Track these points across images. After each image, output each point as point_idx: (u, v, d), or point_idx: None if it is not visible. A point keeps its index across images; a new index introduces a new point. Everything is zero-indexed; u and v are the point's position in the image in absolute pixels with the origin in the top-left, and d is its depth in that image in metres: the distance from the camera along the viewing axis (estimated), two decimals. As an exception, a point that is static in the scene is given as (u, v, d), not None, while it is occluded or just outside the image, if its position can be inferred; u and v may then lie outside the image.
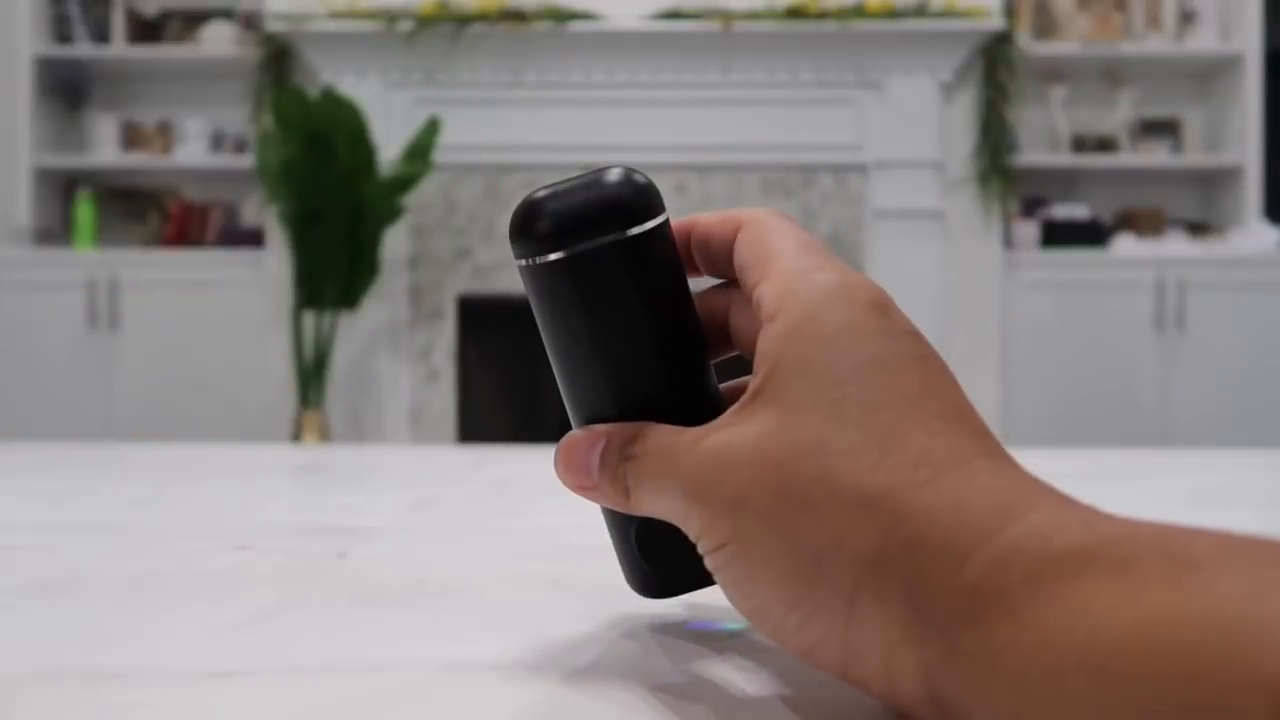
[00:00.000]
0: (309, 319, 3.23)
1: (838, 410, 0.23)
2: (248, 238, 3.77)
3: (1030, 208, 3.74)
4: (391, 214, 3.17)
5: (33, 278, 3.64)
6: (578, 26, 3.43)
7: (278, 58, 3.57)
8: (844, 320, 0.24)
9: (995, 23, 3.43)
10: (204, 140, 3.87)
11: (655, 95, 3.51)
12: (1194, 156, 3.81)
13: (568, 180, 0.27)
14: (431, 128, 3.19)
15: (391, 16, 3.43)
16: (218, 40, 3.83)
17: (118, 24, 3.87)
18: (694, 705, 0.25)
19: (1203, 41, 3.76)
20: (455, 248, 3.53)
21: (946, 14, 3.42)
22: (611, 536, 0.31)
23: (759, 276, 0.26)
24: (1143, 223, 3.77)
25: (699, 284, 0.30)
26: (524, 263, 0.27)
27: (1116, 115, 3.80)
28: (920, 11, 3.42)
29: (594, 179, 0.27)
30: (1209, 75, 3.88)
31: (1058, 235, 3.64)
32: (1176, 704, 0.16)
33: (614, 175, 0.27)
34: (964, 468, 0.22)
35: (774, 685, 0.27)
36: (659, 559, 0.30)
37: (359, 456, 0.97)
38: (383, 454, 1.06)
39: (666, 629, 0.32)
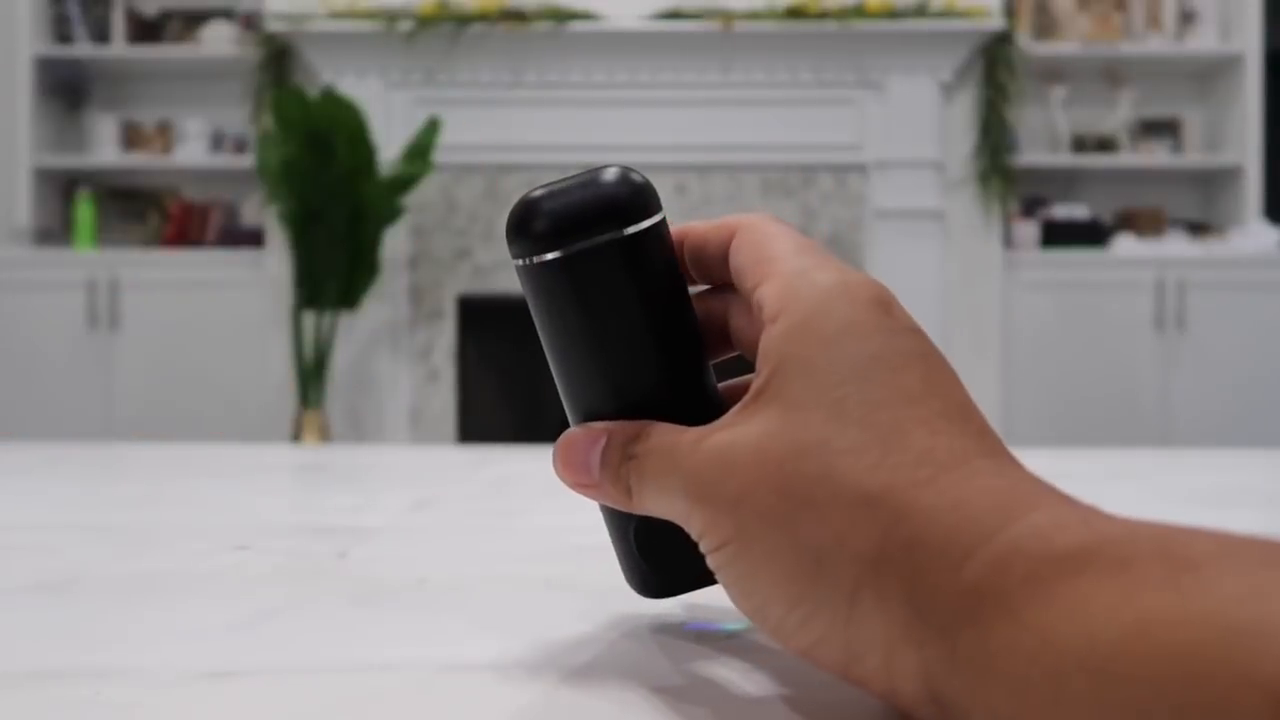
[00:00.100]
0: (309, 319, 3.24)
1: (839, 409, 0.23)
2: (248, 238, 3.77)
3: (1030, 208, 3.74)
4: (391, 214, 3.17)
5: (33, 278, 3.64)
6: (578, 26, 3.43)
7: (278, 58, 3.57)
8: (846, 319, 0.24)
9: (995, 23, 3.43)
10: (204, 140, 3.87)
11: (655, 95, 3.51)
12: (1194, 156, 3.81)
13: (564, 179, 0.27)
14: (431, 128, 3.19)
15: (391, 16, 3.43)
16: (218, 40, 3.83)
17: (118, 24, 3.87)
18: (694, 705, 0.25)
19: (1203, 41, 3.76)
20: (455, 248, 3.53)
21: (946, 14, 3.42)
22: (610, 536, 0.31)
23: (759, 278, 0.26)
24: (1143, 223, 3.77)
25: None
26: (521, 262, 0.27)
27: (1116, 115, 3.80)
28: (920, 11, 3.42)
29: (590, 178, 0.27)
30: (1209, 75, 3.88)
31: (1058, 235, 3.65)
32: (1176, 704, 0.16)
33: (610, 174, 0.27)
34: (965, 467, 0.22)
35: (774, 686, 0.27)
36: (658, 559, 0.30)
37: (359, 456, 0.97)
38: (383, 454, 1.06)
39: (666, 629, 0.32)
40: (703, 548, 0.25)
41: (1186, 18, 3.79)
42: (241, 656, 0.29)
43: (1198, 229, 3.77)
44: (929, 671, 0.21)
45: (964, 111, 3.54)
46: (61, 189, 3.97)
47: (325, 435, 3.23)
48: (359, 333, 3.48)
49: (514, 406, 3.68)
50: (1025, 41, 3.65)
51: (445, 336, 3.54)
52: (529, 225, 0.27)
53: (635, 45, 3.48)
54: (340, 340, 3.40)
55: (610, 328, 0.27)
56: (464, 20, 3.44)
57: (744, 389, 0.27)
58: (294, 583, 0.38)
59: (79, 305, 3.61)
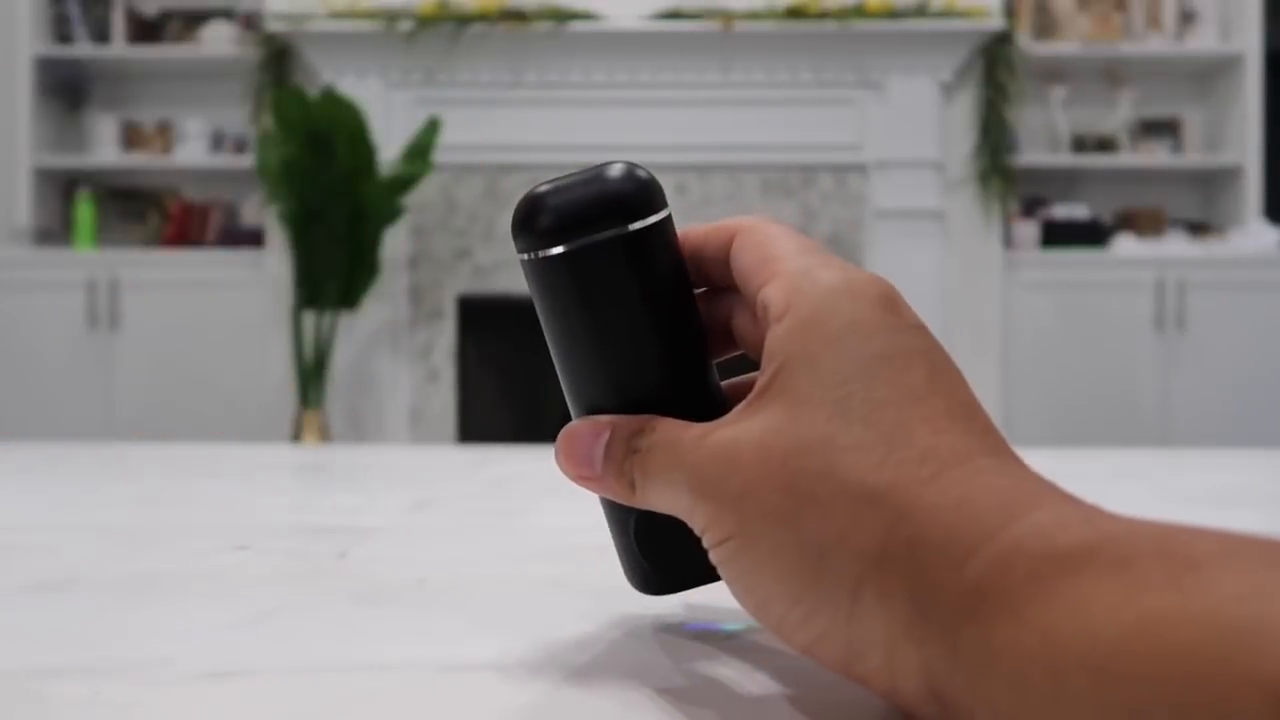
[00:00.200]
0: (309, 319, 3.24)
1: (843, 407, 0.23)
2: (248, 238, 3.77)
3: (1030, 208, 3.74)
4: (391, 214, 3.17)
5: (33, 278, 3.64)
6: (578, 26, 3.43)
7: (278, 58, 3.57)
8: (851, 317, 0.24)
9: (995, 23, 3.43)
10: (204, 140, 3.87)
11: (655, 95, 3.51)
12: (1194, 156, 3.81)
13: (570, 175, 0.27)
14: (431, 128, 3.19)
15: (391, 16, 3.43)
16: (218, 40, 3.83)
17: (118, 24, 3.87)
18: (696, 706, 0.25)
19: (1203, 41, 3.76)
20: (455, 248, 3.53)
21: (946, 14, 3.42)
22: (611, 532, 0.31)
23: (763, 279, 0.26)
24: (1143, 223, 3.77)
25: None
26: (526, 257, 0.27)
27: (1116, 115, 3.80)
28: (920, 11, 3.42)
29: (596, 174, 0.27)
30: (1209, 75, 3.88)
31: (1058, 235, 3.65)
32: (1176, 703, 0.16)
33: (616, 170, 0.27)
34: (968, 465, 0.22)
35: (775, 685, 0.27)
36: (658, 556, 0.30)
37: (359, 456, 0.97)
38: (382, 454, 1.06)
39: (667, 629, 0.32)
40: (705, 543, 0.25)
41: (1186, 18, 3.79)
42: (241, 656, 0.29)
43: (1198, 229, 3.77)
44: (931, 669, 0.21)
45: (964, 111, 3.54)
46: (61, 189, 3.97)
47: (325, 435, 3.23)
48: (359, 333, 3.48)
49: (514, 406, 3.68)
50: (1025, 41, 3.65)
51: (445, 336, 3.54)
52: (534, 220, 0.27)
53: (635, 45, 3.48)
54: (340, 340, 3.40)
55: (614, 323, 0.27)
56: (464, 20, 3.44)
57: (748, 387, 0.27)
58: (294, 583, 0.38)
59: (79, 305, 3.61)
